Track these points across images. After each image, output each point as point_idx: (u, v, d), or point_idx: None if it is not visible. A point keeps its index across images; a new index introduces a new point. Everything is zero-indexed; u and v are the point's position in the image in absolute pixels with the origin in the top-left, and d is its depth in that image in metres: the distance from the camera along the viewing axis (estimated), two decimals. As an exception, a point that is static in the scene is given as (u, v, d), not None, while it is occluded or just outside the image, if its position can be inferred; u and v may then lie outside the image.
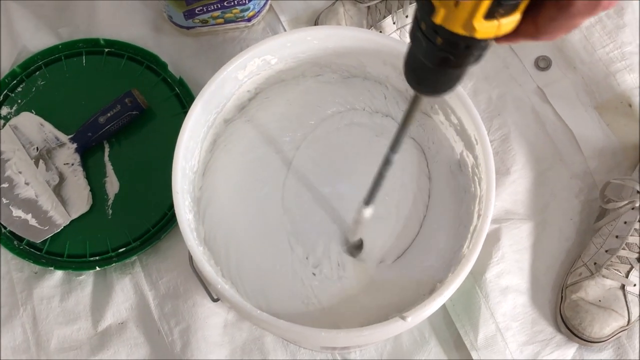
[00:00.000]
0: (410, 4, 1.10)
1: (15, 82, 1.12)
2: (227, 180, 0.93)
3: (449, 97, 0.88)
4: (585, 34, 1.17)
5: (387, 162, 0.71)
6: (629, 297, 0.98)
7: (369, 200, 0.77)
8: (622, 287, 0.99)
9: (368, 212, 0.79)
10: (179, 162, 0.83)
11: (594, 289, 0.99)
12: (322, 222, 0.93)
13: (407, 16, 1.10)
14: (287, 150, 0.96)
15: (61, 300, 1.04)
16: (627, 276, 0.98)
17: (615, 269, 0.99)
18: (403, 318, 0.75)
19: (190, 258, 0.86)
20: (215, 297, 0.90)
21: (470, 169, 0.89)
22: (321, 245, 0.91)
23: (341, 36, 0.90)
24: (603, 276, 0.99)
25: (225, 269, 0.89)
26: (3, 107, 1.11)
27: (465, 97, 0.85)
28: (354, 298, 0.88)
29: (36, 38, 1.17)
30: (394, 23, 1.11)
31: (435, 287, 0.84)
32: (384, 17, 1.11)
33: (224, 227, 0.91)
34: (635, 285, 0.99)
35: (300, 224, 0.92)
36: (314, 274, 0.90)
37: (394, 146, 0.69)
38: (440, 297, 0.77)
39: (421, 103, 0.62)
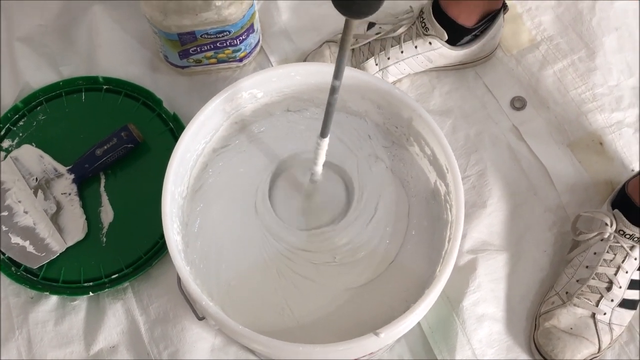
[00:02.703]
0: (392, 47, 1.16)
1: (17, 116, 1.17)
2: (214, 206, 0.97)
3: (422, 129, 0.92)
4: (559, 76, 1.22)
5: (332, 91, 0.79)
6: (600, 325, 1.01)
7: (323, 132, 0.85)
8: (593, 315, 1.01)
9: (325, 142, 0.87)
10: (168, 187, 0.87)
11: (566, 317, 1.02)
12: (304, 242, 0.96)
13: (388, 58, 1.16)
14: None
15: (55, 324, 1.06)
16: (597, 305, 1.01)
17: (585, 298, 1.02)
18: (376, 334, 0.78)
19: (179, 280, 0.89)
20: (201, 316, 0.93)
21: (442, 197, 0.92)
22: (302, 260, 0.95)
23: (323, 72, 0.94)
24: (574, 305, 1.02)
25: (215, 290, 0.92)
26: (5, 140, 1.15)
27: (437, 128, 0.89)
28: (329, 318, 0.91)
29: (38, 75, 1.22)
30: (376, 64, 1.16)
31: (409, 307, 0.87)
32: (367, 58, 1.16)
33: (211, 251, 0.94)
34: (605, 314, 1.01)
35: (282, 243, 0.96)
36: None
37: (336, 74, 0.77)
38: (412, 314, 0.80)
39: (352, 27, 0.69)
